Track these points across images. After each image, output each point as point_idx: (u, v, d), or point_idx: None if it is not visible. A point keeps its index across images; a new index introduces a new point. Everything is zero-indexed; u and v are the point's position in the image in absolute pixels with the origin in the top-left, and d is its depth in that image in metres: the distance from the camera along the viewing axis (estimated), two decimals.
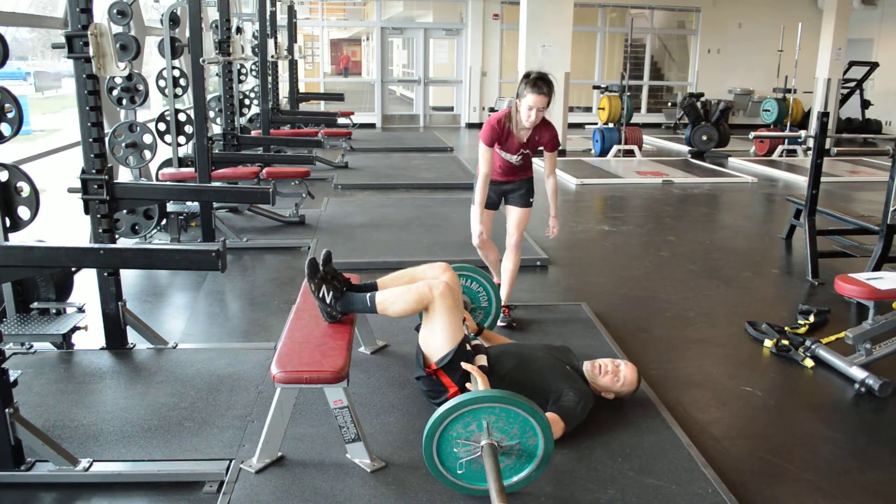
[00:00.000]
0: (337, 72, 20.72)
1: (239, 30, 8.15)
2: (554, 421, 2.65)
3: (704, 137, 10.85)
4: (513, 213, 3.96)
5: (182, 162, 6.10)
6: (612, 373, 3.01)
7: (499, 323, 3.85)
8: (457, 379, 2.81)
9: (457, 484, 2.37)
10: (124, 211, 5.06)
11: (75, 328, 3.43)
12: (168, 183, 5.65)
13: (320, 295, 2.89)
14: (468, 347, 2.87)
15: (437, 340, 2.82)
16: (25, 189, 2.79)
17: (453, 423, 2.27)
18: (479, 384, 2.66)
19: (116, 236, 3.92)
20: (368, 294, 2.94)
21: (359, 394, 3.07)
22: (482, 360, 2.88)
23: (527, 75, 3.53)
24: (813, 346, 3.65)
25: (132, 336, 3.56)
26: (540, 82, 3.47)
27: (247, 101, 9.34)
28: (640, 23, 14.90)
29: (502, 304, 3.86)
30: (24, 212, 2.84)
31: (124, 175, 5.85)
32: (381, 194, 7.80)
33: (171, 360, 3.41)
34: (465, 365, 2.75)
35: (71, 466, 2.48)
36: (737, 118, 14.32)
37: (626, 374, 3.03)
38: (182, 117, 5.97)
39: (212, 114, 7.56)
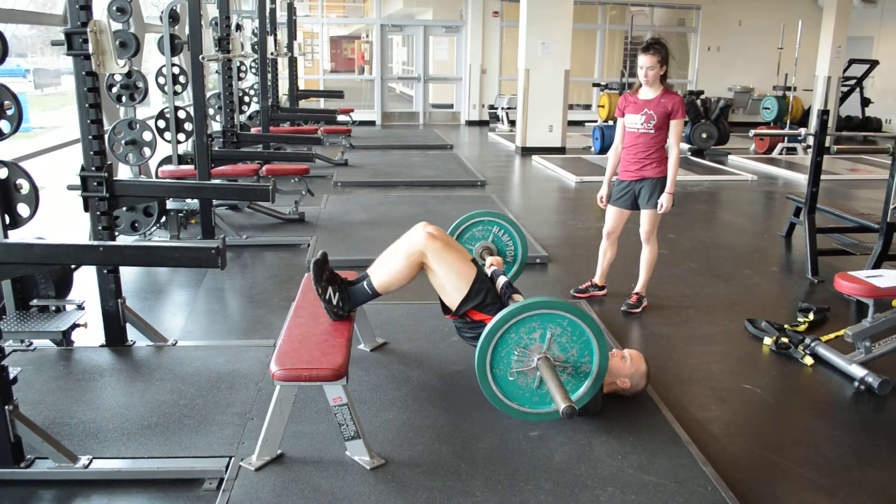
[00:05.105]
0: (350, 68, 20.72)
1: (238, 27, 8.13)
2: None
3: (704, 135, 10.84)
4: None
5: (182, 159, 6.09)
6: (617, 355, 3.04)
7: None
8: (487, 309, 2.80)
9: (496, 395, 2.32)
10: (124, 208, 5.06)
11: (75, 325, 3.43)
12: (168, 180, 5.64)
13: (326, 297, 2.92)
14: (487, 274, 2.87)
15: (449, 288, 2.83)
16: (25, 186, 2.79)
17: (521, 323, 2.20)
18: None
19: (116, 233, 3.92)
20: (365, 281, 3.03)
21: (358, 391, 3.07)
22: (519, 299, 2.88)
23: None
24: (812, 344, 3.65)
25: (132, 333, 3.56)
26: (650, 44, 3.92)
27: (246, 99, 9.33)
28: (640, 20, 14.87)
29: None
30: (23, 209, 2.83)
31: (124, 172, 5.84)
32: (381, 192, 7.79)
33: (171, 357, 3.41)
34: None
35: (70, 463, 2.48)
36: (737, 116, 14.31)
37: (631, 352, 3.06)
38: (182, 114, 5.96)
39: (211, 111, 7.55)
